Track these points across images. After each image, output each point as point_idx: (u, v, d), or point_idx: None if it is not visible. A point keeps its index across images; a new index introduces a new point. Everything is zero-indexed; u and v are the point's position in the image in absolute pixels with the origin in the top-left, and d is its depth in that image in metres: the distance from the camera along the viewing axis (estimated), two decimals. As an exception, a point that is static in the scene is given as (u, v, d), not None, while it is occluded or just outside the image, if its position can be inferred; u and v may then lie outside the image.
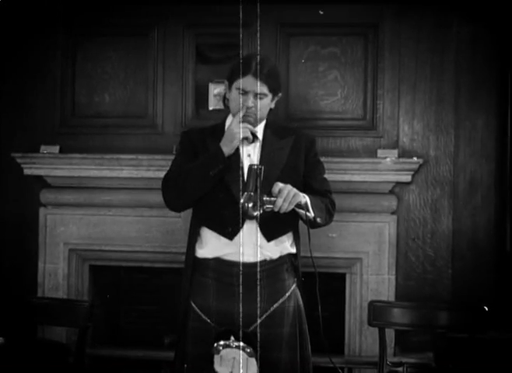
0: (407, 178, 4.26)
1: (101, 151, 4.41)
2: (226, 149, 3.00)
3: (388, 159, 4.20)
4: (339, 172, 4.18)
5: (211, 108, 4.40)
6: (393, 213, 4.31)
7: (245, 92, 3.03)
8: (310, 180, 3.14)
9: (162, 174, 4.08)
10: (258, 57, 3.01)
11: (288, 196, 2.84)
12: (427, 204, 4.33)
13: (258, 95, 3.04)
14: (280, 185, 2.87)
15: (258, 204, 2.81)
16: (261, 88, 3.03)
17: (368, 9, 4.33)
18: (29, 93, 4.56)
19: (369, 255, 4.30)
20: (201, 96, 4.44)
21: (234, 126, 3.01)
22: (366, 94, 4.35)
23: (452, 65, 4.31)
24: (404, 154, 4.31)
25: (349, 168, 4.22)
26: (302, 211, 2.94)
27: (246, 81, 3.02)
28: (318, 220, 2.99)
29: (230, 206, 2.96)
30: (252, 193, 2.81)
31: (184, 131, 3.33)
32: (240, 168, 3.02)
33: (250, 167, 2.85)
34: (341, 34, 4.35)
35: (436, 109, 4.33)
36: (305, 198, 2.93)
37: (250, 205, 2.80)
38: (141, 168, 4.33)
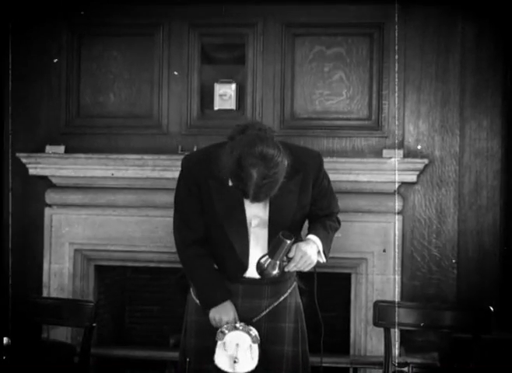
0: (412, 178, 4.26)
1: (106, 151, 4.42)
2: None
3: (393, 159, 4.20)
4: (344, 172, 4.18)
5: (216, 108, 4.40)
6: (398, 213, 4.31)
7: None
8: (317, 209, 3.05)
9: (167, 174, 4.15)
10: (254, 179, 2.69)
11: (300, 262, 2.83)
12: (432, 204, 4.33)
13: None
14: (302, 250, 2.84)
15: (277, 266, 2.83)
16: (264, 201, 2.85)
17: (373, 9, 4.32)
18: (35, 93, 4.56)
19: (374, 255, 4.30)
20: (207, 96, 4.44)
21: (213, 318, 2.98)
22: (371, 94, 4.35)
23: (457, 65, 4.31)
24: (409, 154, 4.31)
25: (354, 168, 4.22)
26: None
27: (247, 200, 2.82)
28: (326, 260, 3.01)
29: (233, 262, 2.96)
30: (278, 262, 2.82)
31: (185, 158, 3.05)
32: (245, 227, 2.94)
33: (281, 239, 2.78)
34: (347, 34, 4.36)
35: (441, 109, 4.33)
36: (318, 246, 2.92)
37: (270, 266, 2.82)
38: (146, 168, 4.33)
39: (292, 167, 2.83)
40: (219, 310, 2.96)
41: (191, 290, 3.12)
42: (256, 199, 2.74)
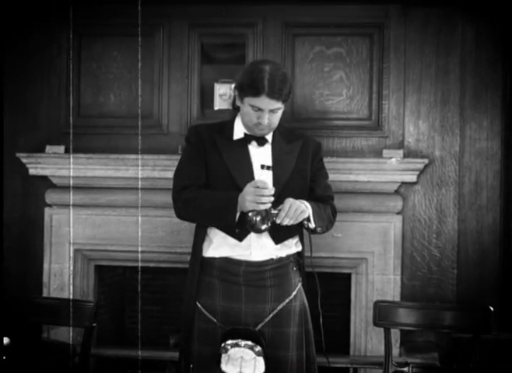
0: (412, 178, 4.26)
1: (106, 151, 4.42)
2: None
3: (394, 159, 4.20)
4: (345, 172, 4.18)
5: (216, 108, 4.40)
6: (398, 213, 4.31)
7: (259, 109, 2.97)
8: (314, 185, 3.13)
9: (167, 174, 4.13)
10: (267, 71, 2.95)
11: (290, 211, 2.84)
12: (432, 204, 4.33)
13: (273, 110, 2.99)
14: (290, 200, 2.87)
15: (267, 219, 2.81)
16: (276, 104, 2.96)
17: (373, 9, 4.32)
18: (35, 93, 4.56)
19: (374, 255, 4.30)
20: (207, 96, 4.44)
21: (247, 200, 2.83)
22: (371, 94, 4.35)
23: (457, 66, 4.31)
24: (409, 154, 4.31)
25: (355, 168, 4.22)
26: (305, 222, 2.95)
27: (260, 101, 2.94)
28: (318, 230, 2.98)
29: None
30: (264, 212, 2.81)
31: (192, 126, 3.33)
32: (251, 171, 3.00)
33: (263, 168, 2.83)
34: (347, 34, 4.35)
35: (441, 109, 4.33)
36: (308, 209, 2.93)
37: (258, 219, 2.81)
38: (146, 168, 4.33)
39: (292, 133, 3.18)
40: (244, 194, 2.86)
41: (196, 296, 3.12)
42: (271, 90, 2.92)
